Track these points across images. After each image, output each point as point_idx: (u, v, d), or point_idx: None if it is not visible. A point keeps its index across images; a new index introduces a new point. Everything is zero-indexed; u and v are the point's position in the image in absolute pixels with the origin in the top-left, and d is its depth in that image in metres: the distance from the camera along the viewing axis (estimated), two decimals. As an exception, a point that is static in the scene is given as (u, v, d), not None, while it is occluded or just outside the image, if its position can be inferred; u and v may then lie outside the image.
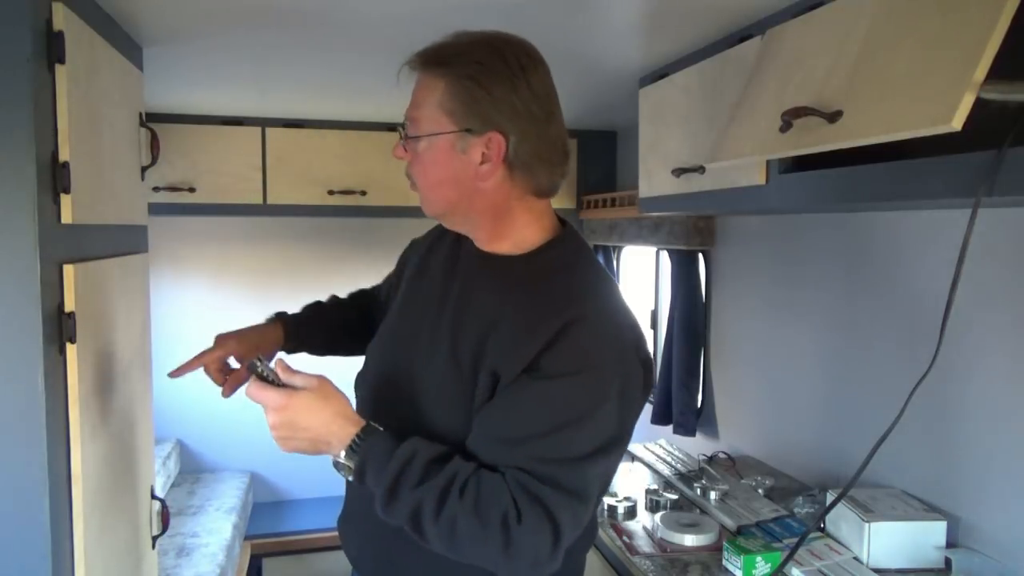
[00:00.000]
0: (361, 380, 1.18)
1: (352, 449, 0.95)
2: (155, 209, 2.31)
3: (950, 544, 1.41)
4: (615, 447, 0.97)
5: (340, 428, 0.96)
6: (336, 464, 0.98)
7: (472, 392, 0.99)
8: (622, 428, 0.97)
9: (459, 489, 0.91)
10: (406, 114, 1.04)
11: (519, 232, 1.07)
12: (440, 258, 1.17)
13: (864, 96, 0.99)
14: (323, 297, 1.46)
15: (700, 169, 1.57)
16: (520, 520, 0.89)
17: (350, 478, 0.97)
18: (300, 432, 0.96)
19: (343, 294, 1.47)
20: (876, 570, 1.38)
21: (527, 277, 1.04)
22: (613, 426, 0.95)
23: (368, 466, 0.94)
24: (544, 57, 1.03)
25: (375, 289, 1.44)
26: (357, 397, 1.14)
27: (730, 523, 1.62)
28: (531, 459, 0.92)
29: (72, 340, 1.07)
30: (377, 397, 1.11)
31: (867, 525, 1.40)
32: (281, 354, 1.08)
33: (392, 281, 1.33)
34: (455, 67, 1.00)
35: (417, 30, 1.50)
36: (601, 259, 2.92)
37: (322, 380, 0.98)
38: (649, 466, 2.09)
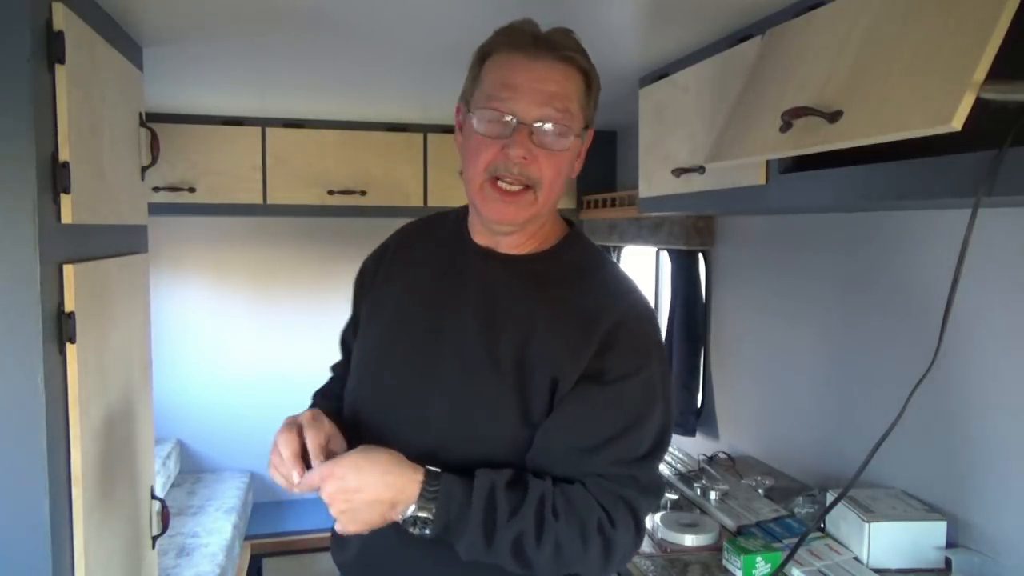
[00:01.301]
0: (366, 410, 1.05)
1: (425, 498, 0.88)
2: (155, 209, 2.30)
3: (950, 544, 1.41)
4: (669, 435, 1.01)
5: (398, 478, 0.89)
6: (406, 520, 0.89)
7: (522, 399, 0.95)
8: (671, 415, 1.01)
9: (551, 510, 0.91)
10: (550, 107, 0.94)
11: (549, 229, 1.08)
12: (430, 263, 1.09)
13: (864, 96, 0.99)
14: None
15: (700, 169, 1.57)
16: (613, 524, 0.93)
17: (427, 531, 0.89)
18: (356, 495, 0.88)
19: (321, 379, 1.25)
20: (876, 570, 1.38)
21: (557, 276, 1.03)
22: (664, 416, 0.99)
23: (451, 512, 0.89)
24: None
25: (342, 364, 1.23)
26: (362, 428, 1.03)
27: (730, 523, 1.62)
28: (609, 463, 0.95)
29: (72, 340, 1.07)
30: (404, 424, 1.00)
31: (867, 525, 1.39)
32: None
33: (353, 325, 1.19)
34: (587, 61, 1.00)
35: (417, 32, 1.51)
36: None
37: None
38: (649, 466, 2.09)
